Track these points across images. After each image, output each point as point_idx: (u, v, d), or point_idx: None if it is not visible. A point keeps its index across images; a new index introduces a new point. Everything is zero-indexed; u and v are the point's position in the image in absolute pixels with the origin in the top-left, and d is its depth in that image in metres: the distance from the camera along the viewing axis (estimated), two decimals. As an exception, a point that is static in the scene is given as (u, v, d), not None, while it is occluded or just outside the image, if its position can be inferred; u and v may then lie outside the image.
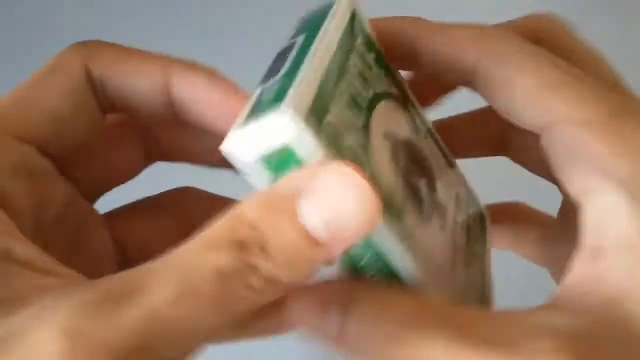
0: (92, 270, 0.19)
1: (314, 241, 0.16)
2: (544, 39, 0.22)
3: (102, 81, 0.21)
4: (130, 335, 0.14)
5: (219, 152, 0.17)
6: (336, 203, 0.16)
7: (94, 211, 0.23)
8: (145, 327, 0.14)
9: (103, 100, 0.21)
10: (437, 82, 0.25)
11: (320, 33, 0.19)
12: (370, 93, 0.20)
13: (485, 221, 0.27)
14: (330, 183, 0.16)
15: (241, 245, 0.15)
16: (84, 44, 0.21)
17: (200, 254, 0.15)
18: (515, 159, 0.27)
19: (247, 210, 0.16)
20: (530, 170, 0.26)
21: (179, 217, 0.24)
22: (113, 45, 0.22)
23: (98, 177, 0.23)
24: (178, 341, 0.15)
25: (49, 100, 0.20)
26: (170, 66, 0.21)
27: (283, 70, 0.18)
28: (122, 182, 0.24)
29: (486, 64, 0.21)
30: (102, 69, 0.21)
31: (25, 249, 0.16)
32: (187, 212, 0.24)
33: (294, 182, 0.16)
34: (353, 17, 0.21)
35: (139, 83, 0.21)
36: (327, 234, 0.16)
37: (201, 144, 0.24)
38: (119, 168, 0.23)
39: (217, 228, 0.16)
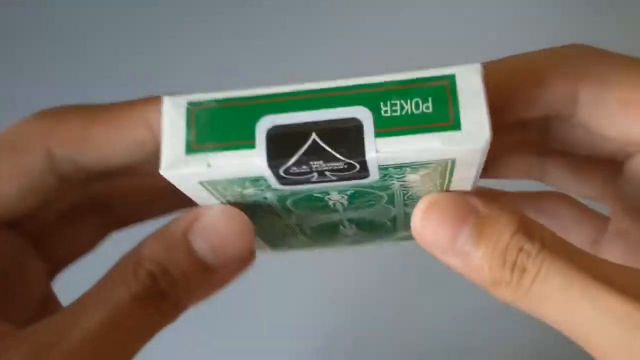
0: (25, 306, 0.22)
1: (206, 266, 0.20)
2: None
3: (69, 159, 0.20)
4: None
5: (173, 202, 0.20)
6: (219, 232, 0.19)
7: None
8: (84, 355, 0.17)
9: (73, 173, 0.21)
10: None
11: None
12: None
13: None
14: (213, 217, 0.19)
15: (152, 278, 0.19)
16: (46, 117, 0.20)
17: (112, 288, 0.19)
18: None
19: (145, 248, 0.19)
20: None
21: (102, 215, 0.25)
22: (77, 111, 0.20)
23: (60, 255, 0.24)
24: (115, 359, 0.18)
25: (4, 183, 0.20)
26: (149, 110, 0.20)
27: None
28: (82, 256, 0.25)
29: (589, 86, 0.20)
30: (67, 147, 0.20)
31: None
32: (110, 208, 0.25)
33: (184, 221, 0.20)
34: None
35: (115, 148, 0.20)
36: (215, 257, 0.20)
37: (152, 205, 0.25)
38: (78, 243, 0.24)
39: (120, 267, 0.19)
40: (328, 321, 0.45)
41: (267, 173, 0.17)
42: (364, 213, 0.22)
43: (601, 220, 0.25)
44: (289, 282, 0.45)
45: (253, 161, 0.17)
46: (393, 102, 0.17)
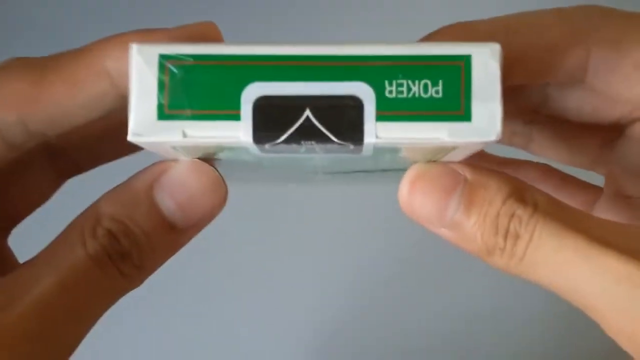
0: None
1: (172, 225, 0.18)
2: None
3: (19, 122, 0.18)
4: (25, 326, 0.16)
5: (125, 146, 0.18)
6: (188, 188, 0.18)
7: None
8: (37, 318, 0.16)
9: (24, 138, 0.18)
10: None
11: None
12: None
13: None
14: (182, 172, 0.18)
15: (111, 238, 0.17)
16: None
17: (69, 246, 0.17)
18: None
19: (104, 206, 0.17)
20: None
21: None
22: (24, 67, 0.18)
23: (12, 208, 0.22)
24: (71, 324, 0.17)
25: None
26: (108, 57, 0.17)
27: None
28: (38, 207, 0.23)
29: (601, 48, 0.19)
30: (14, 111, 0.18)
31: None
32: (63, 153, 0.23)
33: (148, 175, 0.18)
34: None
35: (70, 106, 0.18)
36: (182, 216, 0.18)
37: (112, 146, 0.23)
38: (32, 194, 0.23)
39: (77, 226, 0.17)
40: (328, 321, 0.45)
41: (251, 147, 0.16)
42: (341, 170, 0.21)
43: (587, 189, 0.25)
44: (288, 282, 0.45)
45: (236, 135, 0.15)
46: (399, 81, 0.15)
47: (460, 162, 0.19)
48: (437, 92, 0.15)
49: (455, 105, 0.15)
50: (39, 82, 0.17)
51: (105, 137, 0.22)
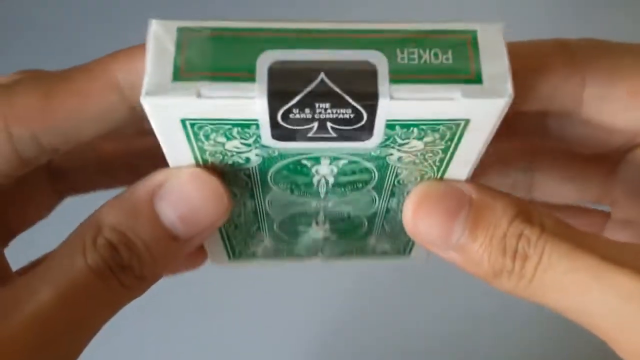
0: None
1: (173, 236, 0.18)
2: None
3: (31, 136, 0.18)
4: (24, 337, 0.16)
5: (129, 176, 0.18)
6: (189, 200, 0.17)
7: None
8: (37, 329, 0.16)
9: (35, 151, 0.18)
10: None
11: None
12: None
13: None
14: (183, 183, 0.17)
15: (111, 250, 0.17)
16: (3, 96, 0.18)
17: (70, 257, 0.17)
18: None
19: (106, 216, 0.17)
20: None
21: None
22: (35, 82, 0.18)
23: (11, 222, 0.22)
24: (71, 335, 0.17)
25: None
26: (118, 69, 0.18)
27: None
28: (35, 223, 0.23)
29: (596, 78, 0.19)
30: (27, 127, 0.18)
31: None
32: (65, 174, 0.23)
33: (149, 185, 0.18)
34: None
35: (80, 120, 0.18)
36: (183, 228, 0.18)
37: (119, 173, 0.23)
38: (31, 210, 0.23)
39: (78, 236, 0.17)
40: (328, 322, 0.45)
41: (264, 117, 0.15)
42: (345, 203, 0.21)
43: (593, 214, 0.24)
44: (288, 283, 0.45)
45: (250, 95, 0.15)
46: (410, 50, 0.15)
47: (465, 182, 0.19)
48: (447, 59, 0.15)
49: (465, 70, 0.15)
50: (50, 95, 0.17)
51: (106, 165, 0.22)
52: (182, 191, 0.17)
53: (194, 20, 0.15)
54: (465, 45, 0.15)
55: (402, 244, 0.24)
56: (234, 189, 0.19)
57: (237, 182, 0.19)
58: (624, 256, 0.17)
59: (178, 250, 0.18)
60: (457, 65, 0.15)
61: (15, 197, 0.21)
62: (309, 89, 0.15)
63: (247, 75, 0.15)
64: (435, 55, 0.15)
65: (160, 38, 0.15)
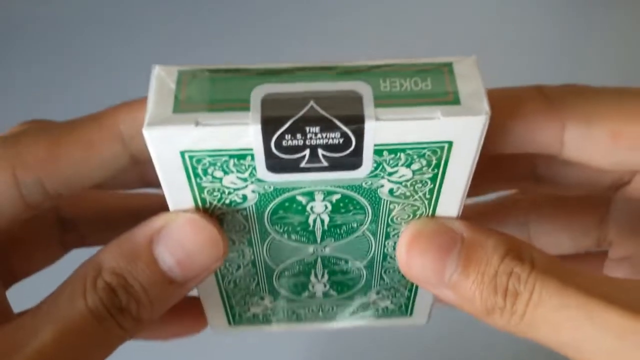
0: None
1: (170, 280, 0.19)
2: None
3: (37, 182, 0.19)
4: None
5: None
6: (186, 245, 0.18)
7: None
8: None
9: (40, 197, 0.19)
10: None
11: None
12: None
13: None
14: (180, 228, 0.18)
15: (110, 292, 0.18)
16: (9, 141, 0.19)
17: (71, 300, 0.18)
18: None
19: (107, 258, 0.18)
20: None
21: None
22: (43, 131, 0.19)
23: (17, 267, 0.23)
24: None
25: None
26: (121, 121, 0.19)
27: None
28: (40, 269, 0.24)
29: (575, 122, 0.19)
30: (33, 172, 0.19)
31: None
32: (74, 227, 0.24)
33: (148, 230, 0.18)
34: None
35: (84, 168, 0.19)
36: (180, 272, 0.18)
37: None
38: (37, 258, 0.23)
39: (80, 277, 0.18)
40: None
41: (258, 145, 0.16)
42: (342, 249, 0.21)
43: (593, 259, 0.25)
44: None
45: (245, 122, 0.16)
46: (392, 79, 0.17)
47: (457, 219, 0.19)
48: (426, 85, 0.17)
49: (443, 94, 0.16)
50: (56, 144, 0.19)
51: (114, 220, 0.23)
52: (179, 237, 0.18)
53: (193, 65, 0.17)
54: (442, 74, 0.17)
55: (403, 300, 0.24)
56: (231, 235, 0.20)
57: (234, 227, 0.19)
58: (615, 293, 0.17)
59: (174, 294, 0.19)
60: (436, 90, 0.16)
61: (21, 242, 0.22)
62: (299, 114, 0.16)
63: (242, 105, 0.16)
64: (415, 83, 0.17)
65: (162, 78, 0.17)
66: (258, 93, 0.16)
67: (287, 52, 0.52)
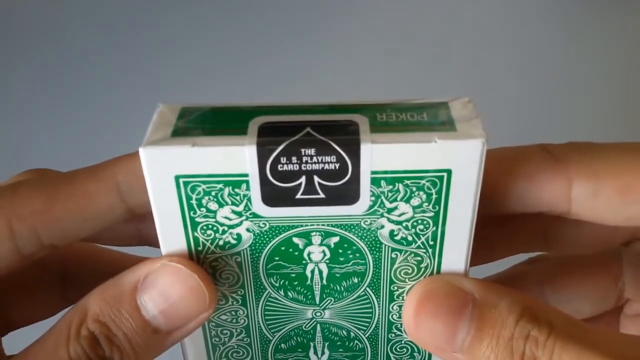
0: None
1: (154, 329, 0.18)
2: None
3: (33, 236, 0.19)
4: None
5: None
6: (168, 294, 0.18)
7: None
8: None
9: (36, 247, 0.19)
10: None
11: None
12: None
13: None
14: (163, 277, 0.18)
15: (92, 343, 0.17)
16: (6, 192, 0.19)
17: (53, 349, 0.17)
18: None
19: (92, 304, 0.18)
20: None
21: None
22: (40, 183, 0.19)
23: (12, 316, 0.22)
24: None
25: None
26: (118, 172, 0.19)
27: None
28: (38, 321, 0.23)
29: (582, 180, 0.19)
30: (28, 224, 0.19)
31: None
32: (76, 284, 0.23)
33: (133, 277, 0.18)
34: None
35: (79, 220, 0.19)
36: (165, 322, 0.18)
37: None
38: (36, 310, 0.23)
39: (66, 323, 0.18)
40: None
41: (253, 169, 0.16)
42: (342, 313, 0.20)
43: (608, 315, 0.23)
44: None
45: (241, 143, 0.16)
46: (389, 113, 0.17)
47: (466, 277, 0.18)
48: (422, 117, 0.17)
49: (440, 122, 0.16)
50: (53, 195, 0.19)
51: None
52: (163, 286, 0.18)
53: (198, 103, 0.17)
54: (438, 108, 0.17)
55: None
56: (224, 289, 0.19)
57: (228, 279, 0.19)
58: (633, 353, 0.16)
59: (160, 343, 0.18)
60: (432, 120, 0.16)
61: (20, 292, 0.22)
62: (295, 138, 0.16)
63: (239, 131, 0.16)
64: (412, 115, 0.17)
65: (164, 113, 0.17)
66: (256, 122, 0.16)
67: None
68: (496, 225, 0.22)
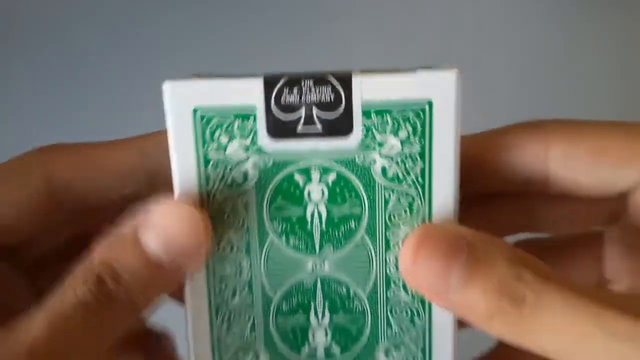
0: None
1: (157, 264, 0.19)
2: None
3: (66, 183, 0.22)
4: None
5: None
6: (168, 229, 0.19)
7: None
8: (26, 358, 0.18)
9: (70, 198, 0.22)
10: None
11: None
12: None
13: None
14: (160, 214, 0.19)
15: (98, 280, 0.19)
16: (45, 148, 0.22)
17: (63, 294, 0.19)
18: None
19: (97, 250, 0.19)
20: None
21: None
22: (76, 145, 0.22)
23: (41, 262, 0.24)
24: None
25: (5, 205, 0.21)
26: (145, 140, 0.22)
27: None
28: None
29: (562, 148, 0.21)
30: (64, 172, 0.21)
31: None
32: None
33: (134, 221, 0.19)
34: None
35: (106, 175, 0.22)
36: (166, 256, 0.19)
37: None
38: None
39: (75, 271, 0.19)
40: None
41: (260, 102, 0.19)
42: (341, 264, 0.20)
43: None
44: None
45: (250, 78, 0.19)
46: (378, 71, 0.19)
47: (459, 225, 0.20)
48: (404, 70, 0.19)
49: (420, 67, 0.19)
50: (85, 154, 0.22)
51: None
52: (160, 220, 0.19)
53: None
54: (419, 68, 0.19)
55: None
56: (230, 234, 0.20)
57: (234, 222, 0.20)
58: (623, 302, 0.17)
59: (164, 278, 0.20)
60: (413, 69, 0.19)
61: (55, 267, 0.23)
62: (296, 73, 0.19)
63: (250, 76, 0.19)
64: (396, 70, 0.19)
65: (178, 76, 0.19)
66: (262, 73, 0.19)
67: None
68: (481, 207, 0.23)
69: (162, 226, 0.19)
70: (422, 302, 0.21)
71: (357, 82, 0.19)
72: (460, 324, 0.21)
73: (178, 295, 0.22)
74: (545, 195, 0.22)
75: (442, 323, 0.21)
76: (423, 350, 0.21)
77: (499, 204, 0.23)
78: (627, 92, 0.43)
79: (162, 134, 0.20)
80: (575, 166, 0.20)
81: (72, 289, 0.19)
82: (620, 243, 0.23)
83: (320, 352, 0.21)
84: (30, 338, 0.18)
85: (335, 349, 0.21)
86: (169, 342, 0.26)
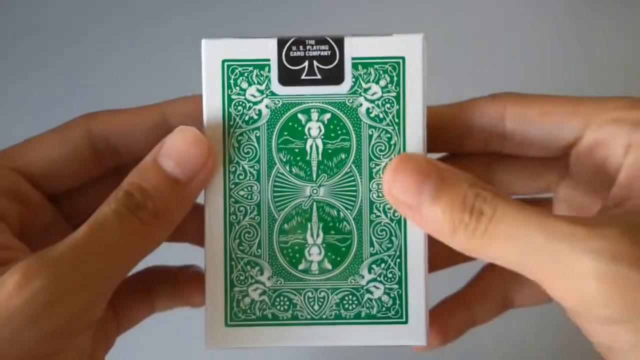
0: None
1: (174, 180, 0.24)
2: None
3: (103, 135, 0.27)
4: (60, 262, 0.21)
5: None
6: (178, 148, 0.24)
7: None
8: (70, 257, 0.22)
9: (106, 149, 0.27)
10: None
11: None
12: None
13: None
14: (173, 138, 0.24)
15: (128, 195, 0.23)
16: (86, 114, 0.27)
17: (101, 210, 0.23)
18: None
19: (127, 179, 0.24)
20: None
21: None
22: (109, 110, 0.27)
23: (83, 210, 0.28)
24: (102, 266, 0.22)
25: (47, 148, 0.26)
26: (167, 104, 0.27)
27: None
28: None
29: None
30: (100, 126, 0.27)
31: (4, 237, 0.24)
32: None
33: (154, 149, 0.24)
34: None
35: (135, 129, 0.27)
36: (180, 171, 0.24)
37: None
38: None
39: (111, 195, 0.23)
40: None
41: (274, 56, 0.24)
42: (333, 191, 0.25)
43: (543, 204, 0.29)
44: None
45: (267, 39, 0.24)
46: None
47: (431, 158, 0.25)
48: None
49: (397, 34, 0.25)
50: (119, 113, 0.27)
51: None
52: (173, 143, 0.24)
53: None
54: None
55: (396, 291, 0.25)
56: (244, 163, 0.25)
57: (248, 153, 0.25)
58: (568, 217, 0.21)
59: (183, 192, 0.24)
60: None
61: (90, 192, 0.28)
62: (302, 35, 0.24)
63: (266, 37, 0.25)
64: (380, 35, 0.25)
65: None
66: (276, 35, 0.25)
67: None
68: (451, 163, 0.28)
69: (175, 149, 0.24)
70: (399, 223, 0.25)
71: (348, 42, 0.24)
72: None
73: (199, 241, 0.26)
74: (503, 156, 0.28)
75: (416, 241, 0.25)
76: (399, 265, 0.25)
77: (465, 164, 0.28)
78: (627, 91, 0.43)
79: (179, 100, 0.26)
80: (527, 124, 0.26)
81: (107, 204, 0.23)
82: (565, 203, 0.28)
83: (315, 267, 0.26)
84: (73, 239, 0.22)
85: (327, 264, 0.26)
86: (191, 269, 0.30)
